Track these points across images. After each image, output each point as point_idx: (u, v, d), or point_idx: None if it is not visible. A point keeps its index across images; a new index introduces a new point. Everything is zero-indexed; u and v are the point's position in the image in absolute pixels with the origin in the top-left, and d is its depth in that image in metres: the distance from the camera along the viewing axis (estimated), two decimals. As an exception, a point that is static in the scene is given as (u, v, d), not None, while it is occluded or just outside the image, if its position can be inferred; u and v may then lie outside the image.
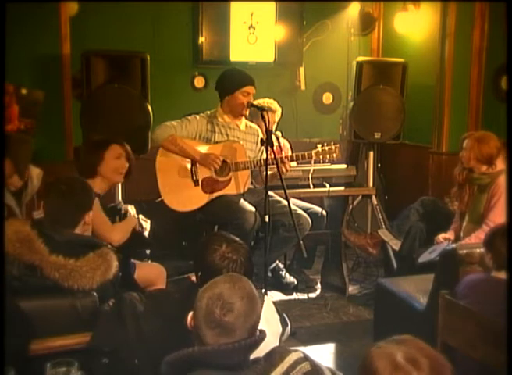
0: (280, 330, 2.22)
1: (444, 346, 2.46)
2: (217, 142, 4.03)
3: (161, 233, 3.63)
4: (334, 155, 4.07)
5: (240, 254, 2.20)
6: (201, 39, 5.13)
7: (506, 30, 3.28)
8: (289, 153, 4.40)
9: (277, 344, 2.08)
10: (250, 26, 5.26)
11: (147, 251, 3.51)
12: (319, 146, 4.06)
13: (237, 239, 2.30)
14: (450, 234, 3.84)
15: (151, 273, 3.22)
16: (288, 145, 4.65)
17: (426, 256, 3.73)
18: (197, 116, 4.08)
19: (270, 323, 2.11)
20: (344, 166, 4.66)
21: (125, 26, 4.96)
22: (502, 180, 3.59)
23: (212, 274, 2.00)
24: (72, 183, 2.70)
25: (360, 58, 4.94)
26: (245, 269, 2.18)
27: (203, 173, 3.98)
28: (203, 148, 3.99)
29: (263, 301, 2.18)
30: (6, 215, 3.05)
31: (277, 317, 2.24)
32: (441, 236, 3.84)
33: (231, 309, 1.61)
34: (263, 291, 2.29)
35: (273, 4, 5.29)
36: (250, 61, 5.24)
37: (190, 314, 1.74)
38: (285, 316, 2.39)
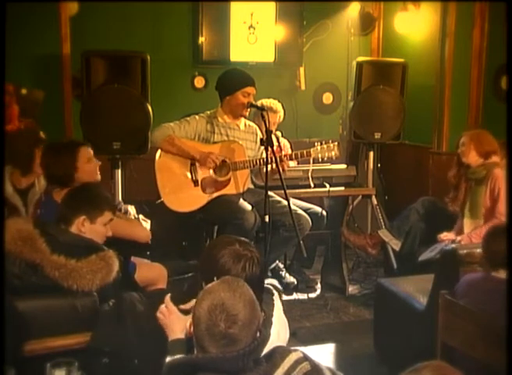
0: (288, 335, 2.19)
1: (444, 346, 2.46)
2: (216, 142, 4.03)
3: (161, 234, 3.62)
4: (333, 152, 4.07)
5: (253, 252, 2.07)
6: (201, 39, 5.13)
7: (506, 30, 3.28)
8: (289, 152, 4.40)
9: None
10: (250, 26, 5.26)
11: (147, 252, 3.51)
12: (317, 144, 4.06)
13: (245, 239, 2.18)
14: (453, 234, 3.84)
15: (151, 273, 3.21)
16: (288, 145, 4.65)
17: (427, 254, 3.74)
18: (197, 117, 4.08)
19: (280, 335, 2.07)
20: (344, 166, 4.66)
21: (125, 26, 4.96)
22: (498, 172, 3.69)
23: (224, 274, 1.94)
24: (85, 187, 2.78)
25: (360, 58, 4.94)
26: (261, 268, 2.07)
27: (202, 174, 3.98)
28: (202, 149, 3.98)
29: (273, 305, 2.15)
30: (10, 214, 3.07)
31: (285, 321, 2.18)
32: (443, 235, 3.84)
33: (235, 321, 1.58)
34: (272, 290, 2.22)
35: (273, 4, 5.29)
36: (250, 61, 5.24)
37: (189, 322, 1.72)
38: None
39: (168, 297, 2.05)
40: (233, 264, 2.01)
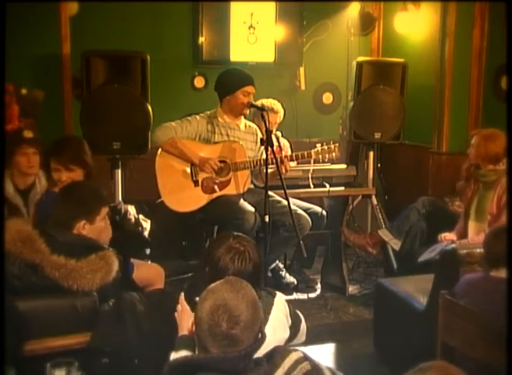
0: (287, 335, 2.20)
1: (444, 346, 2.46)
2: (216, 142, 4.03)
3: (161, 234, 3.62)
4: (333, 154, 4.07)
5: (246, 246, 2.13)
6: (201, 39, 5.13)
7: (506, 30, 3.28)
8: (289, 153, 4.40)
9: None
10: (250, 26, 5.26)
11: (147, 251, 3.50)
12: (318, 146, 4.06)
13: (245, 235, 2.27)
14: (453, 235, 3.82)
15: (148, 273, 3.21)
16: (288, 145, 4.65)
17: (426, 255, 3.74)
18: (197, 117, 4.08)
19: (276, 332, 2.10)
20: (344, 166, 4.65)
21: (125, 26, 4.96)
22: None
23: (219, 269, 2.02)
24: (76, 188, 2.73)
25: (360, 58, 4.95)
26: (254, 264, 2.12)
27: (203, 174, 3.98)
28: (203, 149, 3.98)
29: (272, 304, 2.16)
30: (12, 214, 3.07)
31: (285, 323, 2.21)
32: (444, 235, 3.82)
33: (238, 322, 1.59)
34: (276, 292, 2.25)
35: (273, 4, 5.29)
36: (250, 61, 5.24)
37: (191, 321, 1.72)
38: (298, 313, 2.37)
39: (182, 294, 2.07)
40: (223, 254, 2.10)
